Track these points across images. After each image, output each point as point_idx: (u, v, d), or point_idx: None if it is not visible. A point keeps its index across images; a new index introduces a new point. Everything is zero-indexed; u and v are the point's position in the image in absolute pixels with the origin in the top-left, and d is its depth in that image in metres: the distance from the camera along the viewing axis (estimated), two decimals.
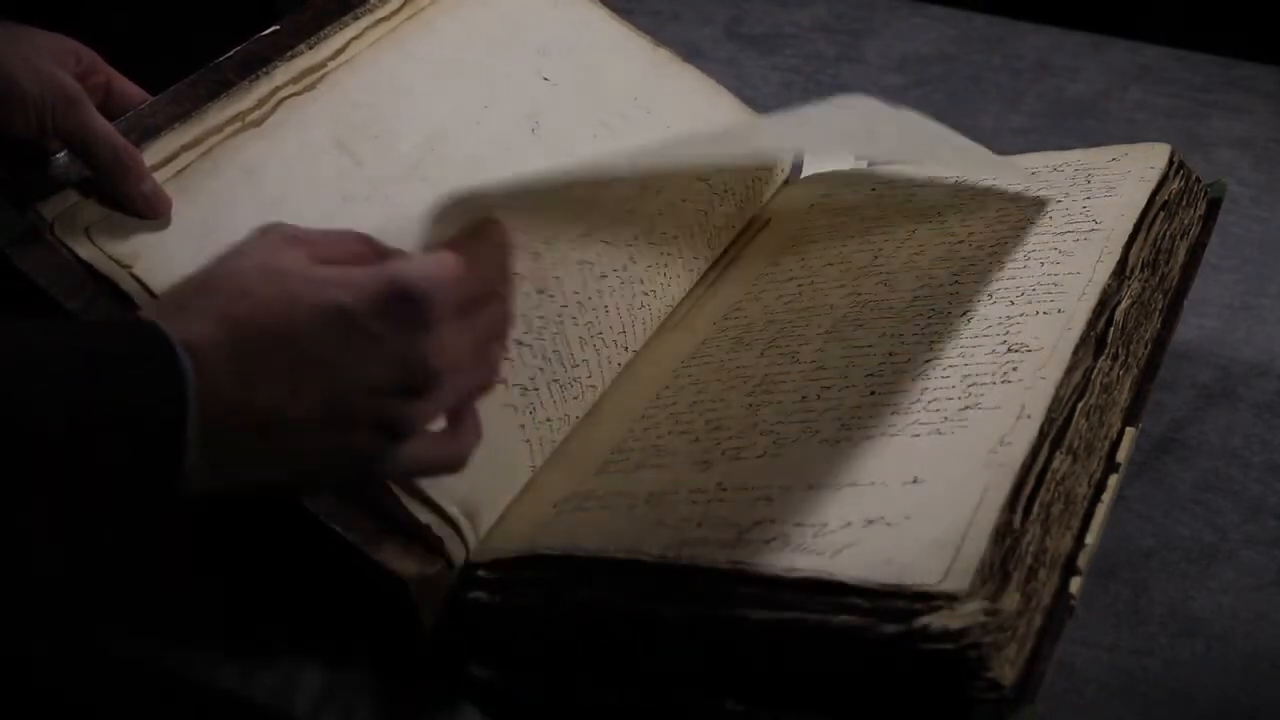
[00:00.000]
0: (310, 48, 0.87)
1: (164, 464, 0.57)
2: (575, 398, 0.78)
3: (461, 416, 0.64)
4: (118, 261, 0.74)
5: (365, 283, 0.60)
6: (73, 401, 0.55)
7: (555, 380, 0.77)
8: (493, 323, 0.64)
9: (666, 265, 0.86)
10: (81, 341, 0.58)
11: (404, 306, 0.59)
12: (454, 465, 0.64)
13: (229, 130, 0.81)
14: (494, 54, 0.94)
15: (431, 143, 0.87)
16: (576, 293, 0.80)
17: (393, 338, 0.59)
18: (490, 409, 0.70)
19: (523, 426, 0.75)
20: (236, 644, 0.72)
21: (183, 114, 0.80)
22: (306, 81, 0.86)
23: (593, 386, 0.80)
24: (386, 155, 0.85)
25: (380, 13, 0.91)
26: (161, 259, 0.75)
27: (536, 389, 0.76)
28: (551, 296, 0.79)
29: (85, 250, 0.74)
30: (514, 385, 0.75)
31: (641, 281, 0.84)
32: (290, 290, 0.60)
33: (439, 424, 0.64)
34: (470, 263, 0.62)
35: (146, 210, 0.76)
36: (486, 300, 0.63)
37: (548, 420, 0.76)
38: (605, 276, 0.82)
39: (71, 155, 0.76)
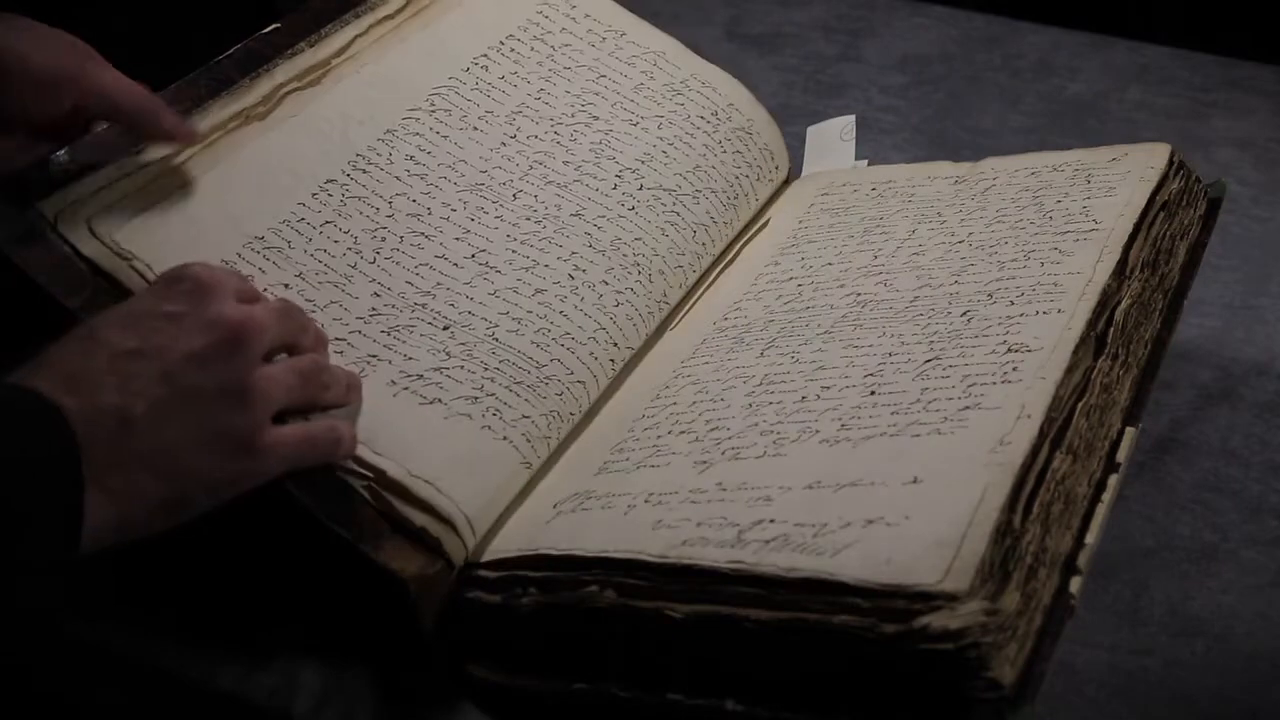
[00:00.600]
0: (311, 46, 0.87)
1: (65, 501, 0.60)
2: (558, 394, 0.78)
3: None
4: (119, 254, 0.74)
5: (145, 283, 0.71)
6: None
7: (519, 382, 0.77)
8: (275, 305, 0.69)
9: (638, 265, 0.86)
10: None
11: (177, 285, 0.67)
12: (338, 442, 0.69)
13: (232, 126, 0.82)
14: (495, 49, 0.94)
15: (433, 142, 0.87)
16: (505, 313, 0.80)
17: (181, 309, 0.65)
18: (435, 420, 0.73)
19: (488, 428, 0.74)
20: (236, 644, 0.72)
21: (183, 111, 0.81)
22: (310, 78, 0.86)
23: (580, 383, 0.80)
24: (389, 153, 0.85)
25: (383, 10, 0.91)
26: (162, 250, 0.75)
27: (492, 394, 0.76)
28: (467, 325, 0.80)
29: (88, 246, 0.74)
30: (456, 399, 0.75)
31: (605, 283, 0.84)
32: (95, 321, 0.66)
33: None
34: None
35: (181, 138, 0.79)
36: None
37: (525, 418, 0.76)
38: (544, 290, 0.82)
39: (71, 153, 0.77)
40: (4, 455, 0.59)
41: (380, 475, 0.70)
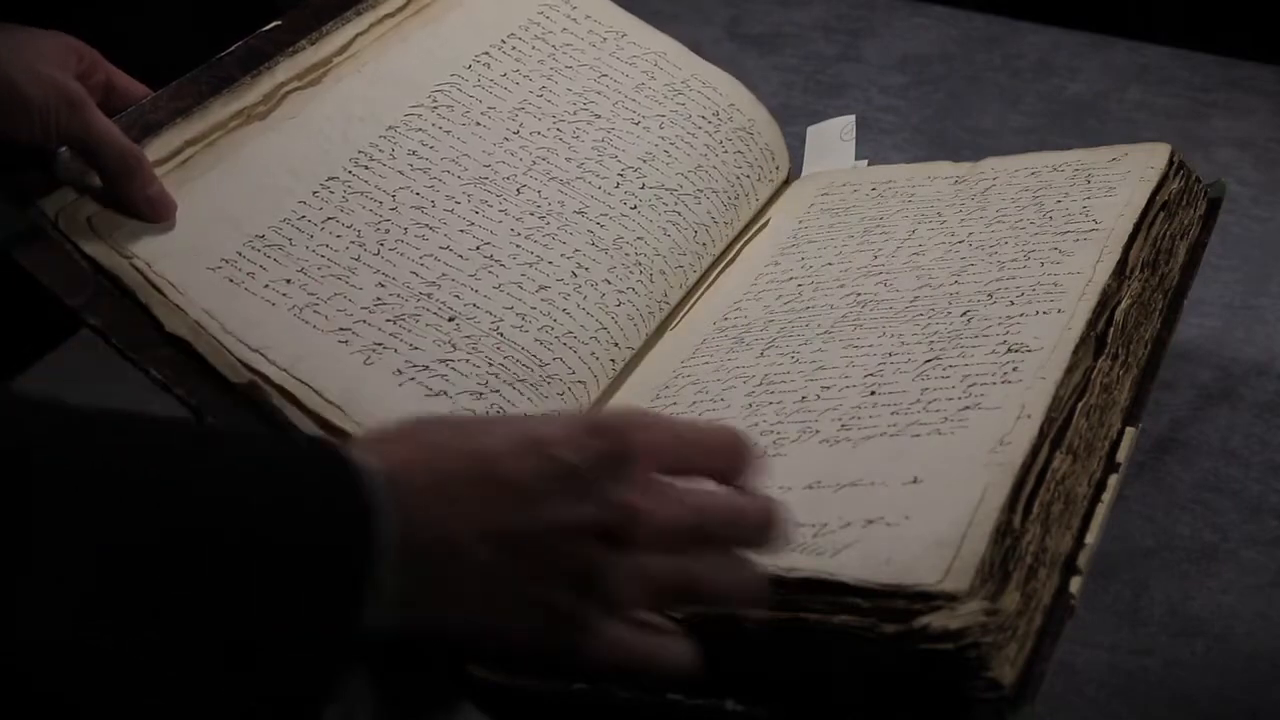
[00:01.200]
0: (312, 44, 0.87)
1: (348, 590, 0.52)
2: (559, 394, 0.78)
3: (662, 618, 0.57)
4: (120, 253, 0.74)
5: (564, 419, 0.58)
6: (248, 521, 0.51)
7: (521, 380, 0.77)
8: (713, 514, 0.57)
9: (639, 265, 0.86)
10: (259, 452, 0.54)
11: (602, 442, 0.55)
12: (674, 665, 0.57)
13: (233, 125, 0.82)
14: (497, 47, 0.94)
15: (436, 137, 0.87)
16: (509, 308, 0.80)
17: (591, 473, 0.55)
18: (441, 413, 0.71)
19: None
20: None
21: (184, 109, 0.81)
22: (311, 77, 0.86)
23: (580, 382, 0.80)
24: (391, 149, 0.85)
25: (384, 8, 0.91)
26: (163, 250, 0.75)
27: (496, 390, 0.76)
28: (472, 318, 0.79)
29: (90, 245, 0.74)
30: (461, 393, 0.75)
31: (607, 281, 0.84)
32: (489, 423, 0.58)
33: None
34: (690, 440, 0.58)
35: (151, 214, 0.76)
36: (696, 474, 0.57)
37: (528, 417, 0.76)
38: (548, 287, 0.82)
39: (73, 152, 0.76)
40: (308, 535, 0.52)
41: None
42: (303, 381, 0.72)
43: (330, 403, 0.72)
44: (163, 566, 0.49)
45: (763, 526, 0.57)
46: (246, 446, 0.55)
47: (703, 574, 0.57)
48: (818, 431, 0.73)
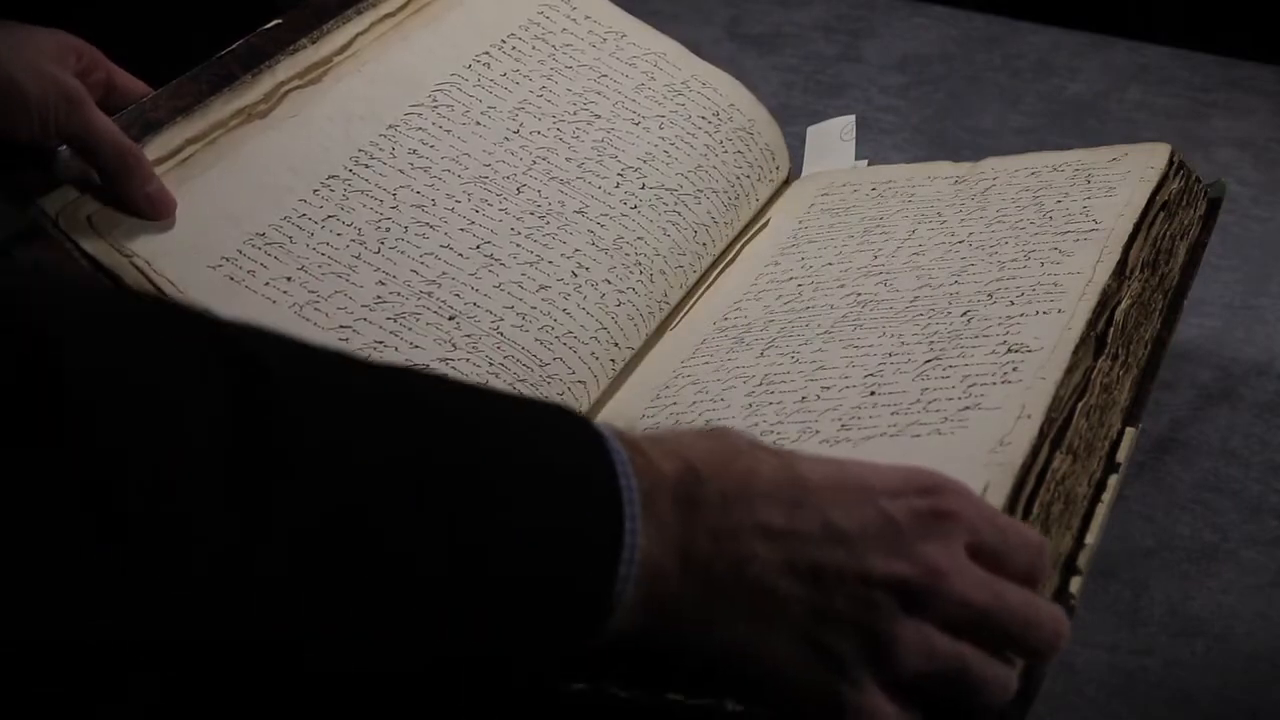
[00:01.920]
0: (313, 42, 0.87)
1: (591, 597, 0.50)
2: (559, 394, 0.78)
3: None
4: (121, 251, 0.74)
5: (891, 470, 0.55)
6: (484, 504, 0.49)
7: (522, 380, 0.77)
8: (1009, 607, 0.54)
9: (639, 265, 0.86)
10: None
11: (927, 502, 0.54)
12: None
13: (233, 123, 0.82)
14: (497, 47, 0.94)
15: (436, 136, 0.87)
16: (510, 307, 0.80)
17: (907, 525, 0.53)
18: None
19: None
20: None
21: (185, 107, 0.81)
22: (311, 76, 0.86)
23: (580, 382, 0.80)
24: (392, 148, 0.85)
25: (385, 8, 0.91)
26: (163, 248, 0.75)
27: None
28: (472, 317, 0.79)
29: (90, 243, 0.74)
30: None
31: (607, 281, 0.84)
32: (811, 459, 0.55)
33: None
34: (1005, 527, 0.56)
35: (150, 212, 0.76)
36: (1001, 563, 0.55)
37: None
38: (548, 287, 0.82)
39: (75, 151, 0.76)
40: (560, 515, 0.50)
41: None
42: None
43: None
44: (406, 490, 0.47)
45: (1052, 639, 0.55)
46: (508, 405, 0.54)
47: (974, 663, 0.54)
48: (818, 431, 0.73)
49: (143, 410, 0.43)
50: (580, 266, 0.84)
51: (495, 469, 0.49)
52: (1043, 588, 0.57)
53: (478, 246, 0.83)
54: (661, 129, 0.94)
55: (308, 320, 0.75)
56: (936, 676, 0.53)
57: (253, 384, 0.46)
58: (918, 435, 0.70)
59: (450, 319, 0.78)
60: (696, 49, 1.01)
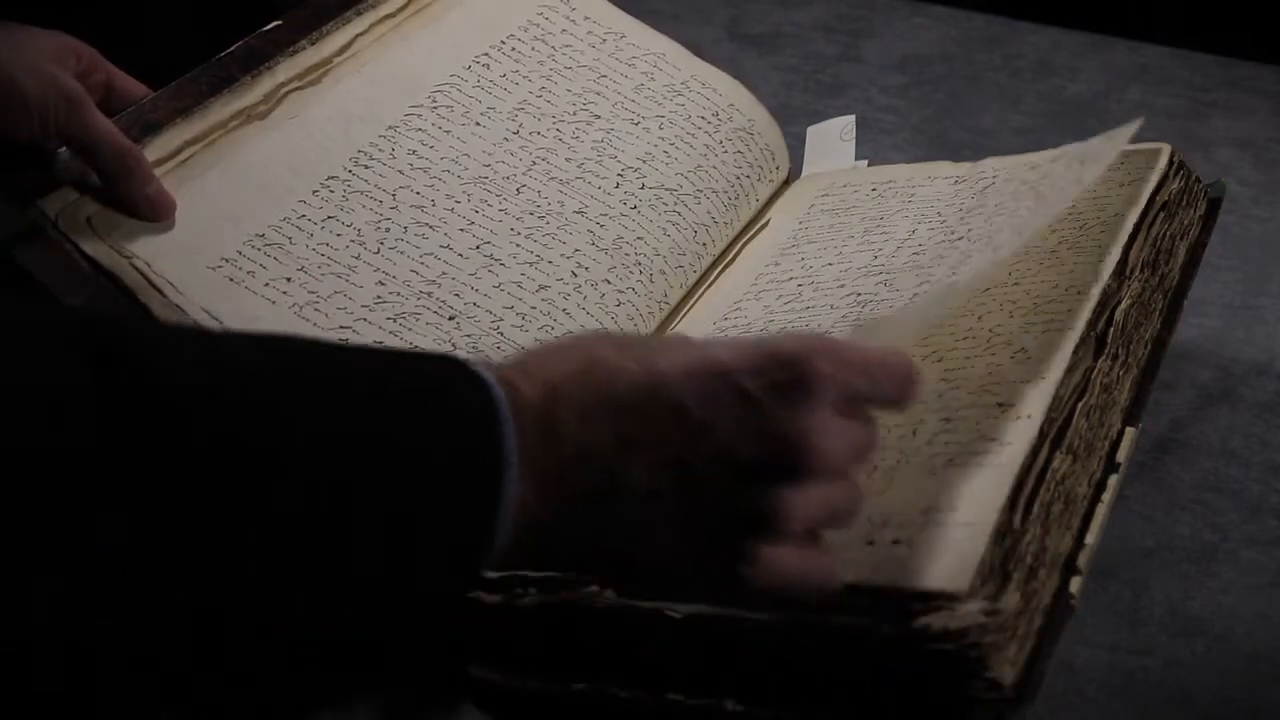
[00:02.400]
0: (313, 44, 0.87)
1: (475, 520, 0.51)
2: None
3: (816, 535, 0.56)
4: (120, 252, 0.74)
5: (740, 343, 0.55)
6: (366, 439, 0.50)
7: None
8: (862, 440, 0.57)
9: (639, 265, 0.86)
10: (377, 371, 0.53)
11: (783, 372, 0.54)
12: (822, 588, 0.57)
13: (233, 124, 0.82)
14: (497, 48, 0.94)
15: (436, 137, 0.87)
16: (509, 307, 0.80)
17: (766, 401, 0.53)
18: None
19: None
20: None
21: (184, 109, 0.81)
22: (311, 77, 0.86)
23: None
24: (391, 148, 0.85)
25: (384, 9, 0.92)
26: (163, 249, 0.75)
27: None
28: (472, 317, 0.79)
29: (90, 244, 0.74)
30: None
31: (607, 281, 0.84)
32: (662, 342, 0.55)
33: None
34: (866, 366, 0.56)
35: (150, 213, 0.76)
36: (862, 412, 0.57)
37: None
38: (547, 286, 0.82)
39: (74, 152, 0.77)
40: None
41: None
42: None
43: None
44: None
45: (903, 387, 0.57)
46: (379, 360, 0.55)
47: (845, 507, 0.56)
48: None
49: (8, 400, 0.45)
50: (580, 266, 0.84)
51: (375, 426, 0.51)
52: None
53: (477, 247, 0.83)
54: (661, 129, 0.94)
55: (307, 320, 0.75)
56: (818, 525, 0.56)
57: (112, 348, 0.47)
58: (918, 435, 0.70)
59: (450, 319, 0.78)
60: (696, 49, 1.01)
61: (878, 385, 0.56)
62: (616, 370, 0.54)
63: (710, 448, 0.53)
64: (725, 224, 0.93)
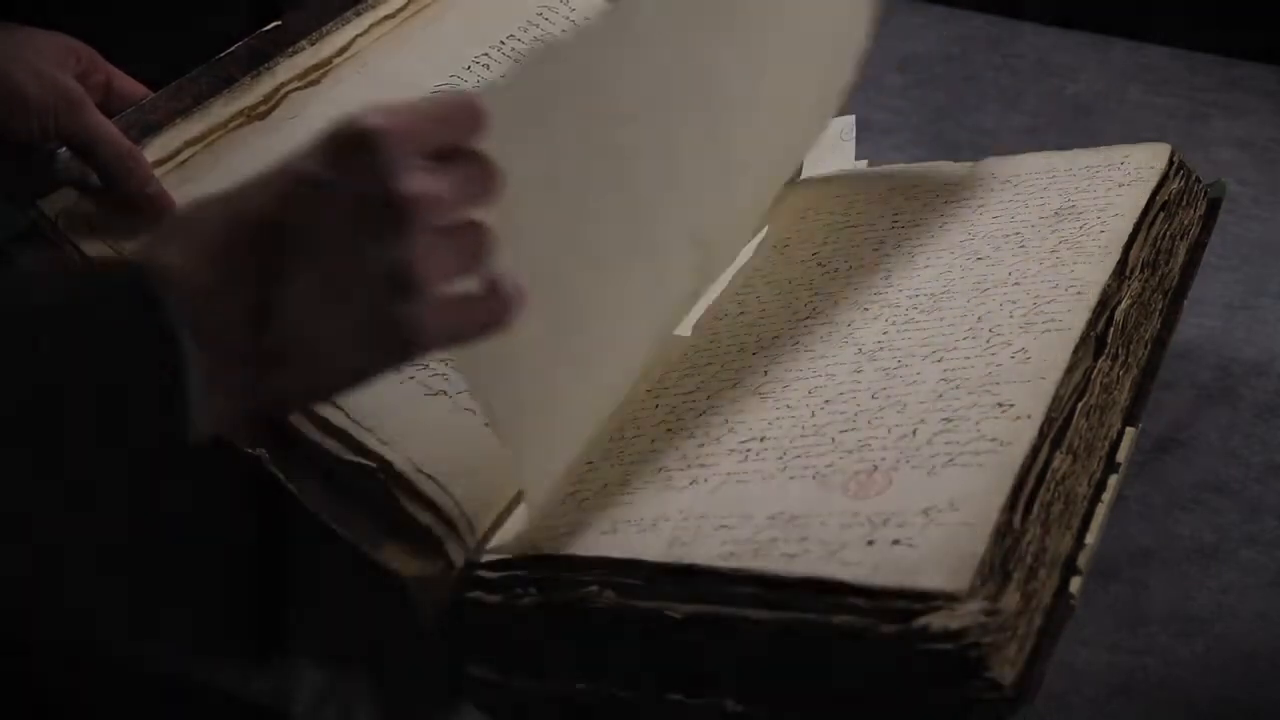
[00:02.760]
0: (313, 44, 0.87)
1: (170, 389, 0.55)
2: None
3: (491, 278, 0.59)
4: (119, 253, 0.74)
5: (310, 142, 0.58)
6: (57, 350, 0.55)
7: None
8: (466, 179, 0.58)
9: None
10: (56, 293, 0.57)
11: (352, 146, 0.56)
12: (498, 322, 0.59)
13: (233, 125, 0.82)
14: (496, 48, 0.94)
15: None
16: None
17: (339, 176, 0.56)
18: (440, 414, 0.72)
19: None
20: (236, 644, 0.72)
21: (184, 109, 0.81)
22: (311, 77, 0.86)
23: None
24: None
25: (384, 9, 0.92)
26: None
27: None
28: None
29: (90, 245, 0.74)
30: (461, 392, 0.75)
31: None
32: (242, 183, 0.58)
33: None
34: (429, 114, 0.58)
35: (150, 214, 0.76)
36: (461, 156, 0.58)
37: None
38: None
39: (75, 153, 0.77)
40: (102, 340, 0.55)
41: (387, 467, 0.70)
42: None
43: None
44: None
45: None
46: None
47: (473, 247, 0.59)
48: (827, 436, 0.73)
49: None
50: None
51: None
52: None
53: None
54: None
55: None
56: (465, 257, 0.58)
57: None
58: (918, 435, 0.70)
59: None
60: None
61: (446, 125, 0.58)
62: (220, 216, 0.57)
63: (320, 243, 0.56)
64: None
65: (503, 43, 0.95)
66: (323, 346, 0.57)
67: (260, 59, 0.85)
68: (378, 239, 0.56)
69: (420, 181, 0.56)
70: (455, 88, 0.91)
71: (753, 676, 0.64)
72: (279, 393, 0.58)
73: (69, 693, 0.75)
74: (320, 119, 0.84)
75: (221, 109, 0.82)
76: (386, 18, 0.92)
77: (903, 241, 0.88)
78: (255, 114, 0.83)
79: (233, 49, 0.85)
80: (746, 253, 0.93)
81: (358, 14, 0.91)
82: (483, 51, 0.94)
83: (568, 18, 0.99)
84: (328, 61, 0.87)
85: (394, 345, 0.57)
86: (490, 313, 0.59)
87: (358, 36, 0.90)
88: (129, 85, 0.82)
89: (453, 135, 0.58)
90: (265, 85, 0.84)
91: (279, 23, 0.88)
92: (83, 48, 0.80)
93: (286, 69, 0.85)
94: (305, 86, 0.86)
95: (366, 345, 0.57)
